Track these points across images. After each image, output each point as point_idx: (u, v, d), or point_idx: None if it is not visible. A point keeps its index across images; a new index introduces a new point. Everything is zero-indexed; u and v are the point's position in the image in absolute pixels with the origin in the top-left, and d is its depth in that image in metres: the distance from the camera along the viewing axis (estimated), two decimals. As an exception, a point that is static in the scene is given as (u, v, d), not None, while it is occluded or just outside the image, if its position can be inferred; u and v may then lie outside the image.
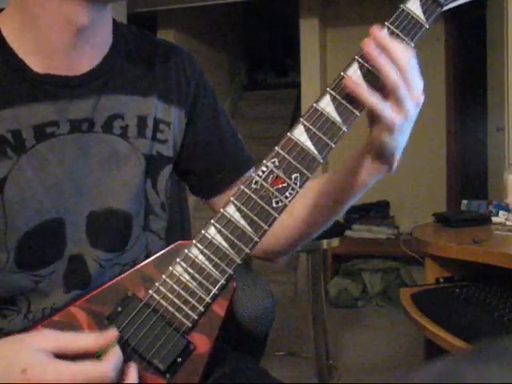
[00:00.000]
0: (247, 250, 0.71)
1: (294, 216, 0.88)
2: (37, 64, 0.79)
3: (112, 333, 0.67)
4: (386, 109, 0.71)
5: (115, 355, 0.66)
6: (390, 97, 0.71)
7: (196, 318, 0.71)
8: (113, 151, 0.83)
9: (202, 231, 0.71)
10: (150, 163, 0.86)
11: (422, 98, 0.74)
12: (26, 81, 0.78)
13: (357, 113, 0.71)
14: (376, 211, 4.17)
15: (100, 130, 0.82)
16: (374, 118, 0.73)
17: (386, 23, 0.71)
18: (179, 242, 0.73)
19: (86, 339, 0.66)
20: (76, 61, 0.80)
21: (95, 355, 0.65)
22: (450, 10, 0.75)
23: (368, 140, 0.77)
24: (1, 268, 0.79)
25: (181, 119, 0.90)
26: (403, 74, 0.71)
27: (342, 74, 0.71)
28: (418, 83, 0.73)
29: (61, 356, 0.64)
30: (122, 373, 0.67)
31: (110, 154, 0.83)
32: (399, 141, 0.74)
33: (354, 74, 0.71)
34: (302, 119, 0.71)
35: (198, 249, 0.71)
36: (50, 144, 0.79)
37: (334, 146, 0.71)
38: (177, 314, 0.71)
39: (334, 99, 0.71)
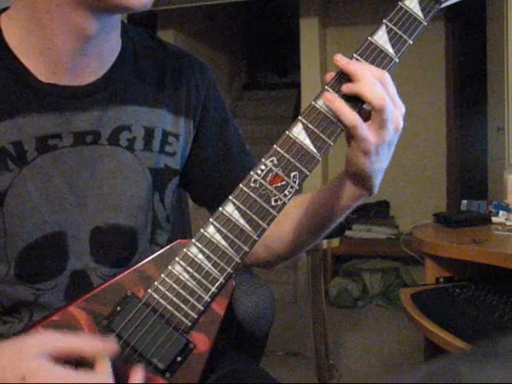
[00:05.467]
0: (246, 249, 0.71)
1: (284, 230, 0.86)
2: (41, 72, 0.76)
3: (112, 344, 0.65)
4: (364, 129, 0.69)
5: (108, 363, 0.63)
6: (371, 117, 0.69)
7: (195, 316, 0.71)
8: (118, 164, 0.81)
9: (201, 230, 0.71)
10: (157, 177, 0.85)
11: (401, 124, 0.71)
12: (30, 89, 0.76)
13: (355, 111, 0.70)
14: (376, 211, 4.17)
15: (106, 142, 0.80)
16: (351, 139, 0.71)
17: (384, 21, 0.71)
18: (178, 240, 0.73)
19: (84, 344, 0.64)
20: (82, 70, 0.78)
21: None
22: (450, 9, 0.75)
23: (346, 162, 0.75)
24: (2, 279, 0.78)
25: (189, 130, 0.88)
26: (390, 92, 0.69)
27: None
28: (401, 106, 0.71)
29: (58, 358, 0.62)
30: (129, 374, 0.66)
31: (116, 168, 0.81)
32: (376, 165, 0.72)
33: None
34: (300, 117, 0.71)
35: (197, 247, 0.71)
36: (51, 156, 0.77)
37: (332, 143, 0.71)
38: (176, 313, 0.71)
39: None
